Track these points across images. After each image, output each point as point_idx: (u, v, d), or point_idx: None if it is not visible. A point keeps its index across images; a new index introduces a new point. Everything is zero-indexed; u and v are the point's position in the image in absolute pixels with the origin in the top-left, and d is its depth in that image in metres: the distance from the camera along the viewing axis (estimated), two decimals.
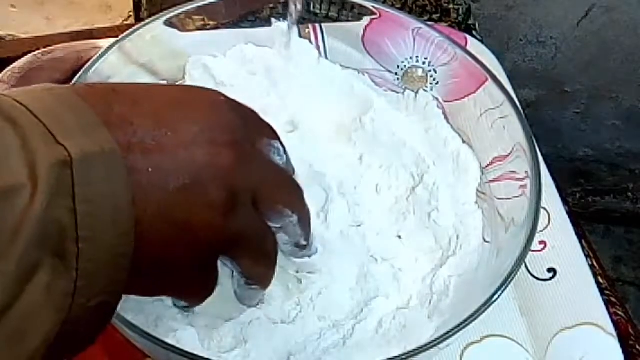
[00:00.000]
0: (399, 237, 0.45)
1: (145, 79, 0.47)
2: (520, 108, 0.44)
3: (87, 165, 0.23)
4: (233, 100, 0.32)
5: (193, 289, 0.32)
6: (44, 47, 0.57)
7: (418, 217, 0.46)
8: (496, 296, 0.36)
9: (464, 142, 0.48)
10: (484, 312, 0.35)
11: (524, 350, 0.44)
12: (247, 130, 0.31)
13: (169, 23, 0.48)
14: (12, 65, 0.55)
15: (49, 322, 0.23)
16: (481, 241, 0.44)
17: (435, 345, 0.34)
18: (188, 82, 0.49)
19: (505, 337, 0.45)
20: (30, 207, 0.22)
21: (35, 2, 0.84)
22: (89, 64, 0.43)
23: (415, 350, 0.34)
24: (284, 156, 0.35)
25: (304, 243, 0.37)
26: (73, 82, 0.42)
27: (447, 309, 0.40)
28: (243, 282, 0.35)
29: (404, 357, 0.33)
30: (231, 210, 0.29)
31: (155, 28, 0.47)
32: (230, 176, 0.29)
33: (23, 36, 0.76)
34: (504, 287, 0.36)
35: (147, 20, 0.47)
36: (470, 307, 0.35)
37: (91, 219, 0.23)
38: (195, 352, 0.32)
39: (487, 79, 0.46)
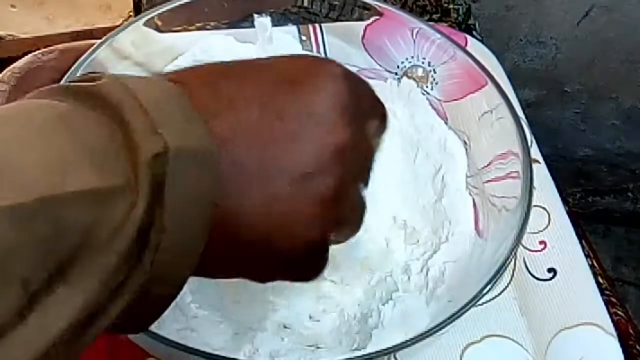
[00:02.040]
0: (393, 220, 0.45)
1: (136, 74, 0.48)
2: (516, 110, 0.44)
3: (181, 160, 0.23)
4: (350, 73, 0.29)
5: (301, 272, 0.31)
6: (44, 47, 0.57)
7: (409, 203, 0.46)
8: (494, 281, 0.36)
9: (450, 128, 0.48)
10: (483, 296, 0.35)
11: (524, 350, 0.44)
12: (360, 110, 0.29)
13: (162, 20, 0.48)
14: (12, 65, 0.55)
15: (118, 309, 0.23)
16: (473, 227, 0.44)
17: (437, 332, 0.34)
18: None
19: (505, 337, 0.45)
20: (132, 209, 0.22)
21: (35, 2, 0.83)
22: (80, 60, 0.43)
23: (417, 337, 0.34)
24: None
25: None
26: (64, 79, 0.42)
27: (443, 296, 0.41)
28: None
29: (404, 345, 0.34)
30: (339, 199, 0.27)
31: (148, 24, 0.47)
32: (339, 163, 0.27)
33: (23, 36, 0.76)
34: (501, 270, 0.36)
35: (139, 16, 0.47)
36: (466, 293, 0.36)
37: (175, 212, 0.23)
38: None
39: (487, 81, 0.46)
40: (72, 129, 0.23)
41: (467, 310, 0.35)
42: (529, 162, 0.41)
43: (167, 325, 0.39)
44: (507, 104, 0.44)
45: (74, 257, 0.21)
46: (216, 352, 0.33)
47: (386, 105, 0.49)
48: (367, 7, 0.50)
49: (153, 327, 0.33)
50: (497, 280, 0.36)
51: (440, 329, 0.34)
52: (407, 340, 0.34)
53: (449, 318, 0.34)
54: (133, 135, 0.23)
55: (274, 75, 0.28)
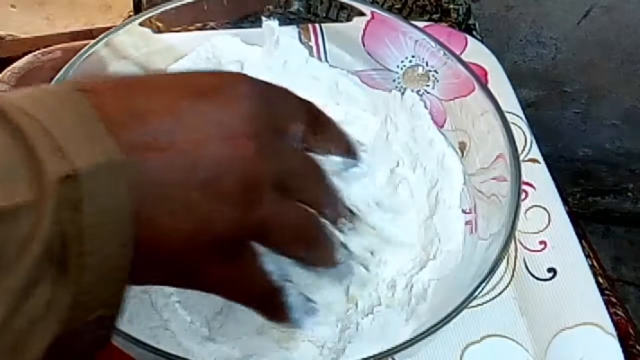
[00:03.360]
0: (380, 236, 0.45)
1: (134, 73, 0.48)
2: (505, 115, 0.44)
3: (93, 179, 0.23)
4: (261, 83, 0.31)
5: (235, 284, 0.31)
6: (44, 47, 0.57)
7: (400, 217, 0.46)
8: (476, 293, 0.36)
9: (452, 143, 0.48)
10: (461, 311, 0.35)
11: (524, 350, 0.44)
12: (273, 118, 0.30)
13: (162, 20, 0.48)
14: (12, 65, 0.55)
15: (48, 336, 0.23)
16: (461, 247, 0.44)
17: (413, 344, 0.34)
18: None
19: (505, 337, 0.45)
20: (37, 225, 0.22)
21: (35, 2, 0.84)
22: (73, 59, 0.43)
23: (392, 349, 0.34)
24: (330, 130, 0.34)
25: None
26: (57, 76, 0.42)
27: (425, 313, 0.40)
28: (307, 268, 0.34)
29: (380, 356, 0.34)
30: (252, 201, 0.28)
31: (148, 24, 0.48)
32: (248, 168, 0.28)
33: (23, 36, 0.76)
34: (484, 281, 0.36)
35: (137, 15, 0.47)
36: (447, 310, 0.35)
37: (96, 231, 0.23)
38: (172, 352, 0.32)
39: (480, 86, 0.46)
40: None
41: (446, 323, 0.35)
42: (518, 169, 0.41)
43: (140, 322, 0.39)
44: (497, 109, 0.44)
45: None
46: (187, 357, 0.32)
47: (388, 117, 0.49)
48: (366, 10, 0.50)
49: (124, 327, 0.33)
50: (485, 285, 0.36)
51: (424, 337, 0.34)
52: (385, 351, 0.34)
53: (434, 325, 0.34)
54: (36, 154, 0.22)
55: (184, 89, 0.29)
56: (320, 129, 0.34)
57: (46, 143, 0.23)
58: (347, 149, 0.36)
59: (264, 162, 0.29)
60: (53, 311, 0.23)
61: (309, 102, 0.33)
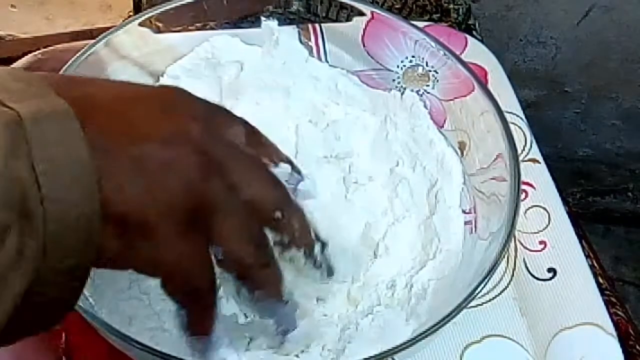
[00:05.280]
0: (381, 237, 0.45)
1: (134, 73, 0.48)
2: (502, 108, 0.44)
3: (39, 125, 0.23)
4: (193, 94, 0.33)
5: (178, 265, 0.30)
6: (44, 47, 0.57)
7: (400, 218, 0.46)
8: (476, 292, 0.36)
9: (452, 143, 0.48)
10: (461, 311, 0.35)
11: (524, 350, 0.44)
12: (214, 115, 0.32)
13: (161, 20, 0.48)
14: (11, 65, 0.55)
15: (19, 285, 0.23)
16: (461, 246, 0.44)
17: (413, 344, 0.34)
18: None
19: (505, 337, 0.45)
20: None
21: (35, 2, 0.84)
22: (73, 59, 0.43)
23: (391, 349, 0.34)
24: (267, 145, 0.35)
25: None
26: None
27: (425, 312, 0.40)
28: (245, 290, 0.33)
29: (380, 356, 0.34)
30: (207, 175, 0.29)
31: (147, 24, 0.48)
32: (202, 143, 0.29)
33: (23, 36, 0.76)
34: (484, 281, 0.36)
35: (136, 15, 0.47)
36: (447, 310, 0.35)
37: (52, 178, 0.23)
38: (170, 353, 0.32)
39: (480, 86, 0.46)
40: None
41: (445, 324, 0.35)
42: (517, 169, 0.41)
43: (139, 324, 0.39)
44: (497, 109, 0.44)
45: None
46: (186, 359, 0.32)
47: (388, 117, 0.50)
48: (366, 11, 0.50)
49: (124, 328, 0.33)
50: (485, 284, 0.36)
51: (424, 337, 0.34)
52: (385, 351, 0.34)
53: (434, 325, 0.34)
54: None
55: (124, 87, 0.32)
56: (257, 139, 0.35)
57: None
58: (288, 160, 0.37)
59: (213, 143, 0.30)
60: (24, 260, 0.23)
61: (244, 119, 0.34)
